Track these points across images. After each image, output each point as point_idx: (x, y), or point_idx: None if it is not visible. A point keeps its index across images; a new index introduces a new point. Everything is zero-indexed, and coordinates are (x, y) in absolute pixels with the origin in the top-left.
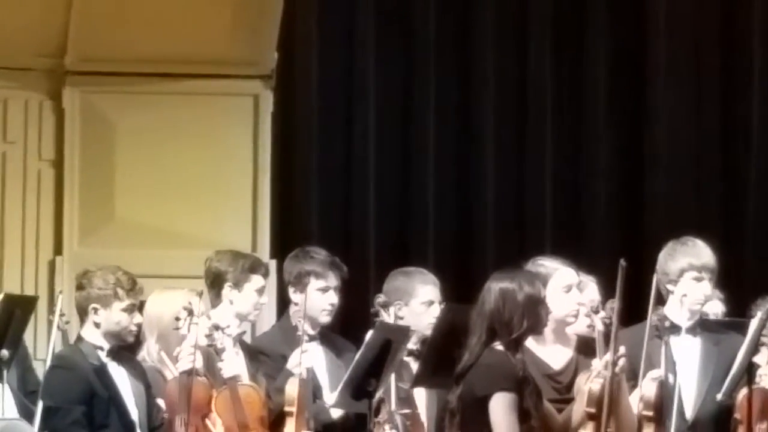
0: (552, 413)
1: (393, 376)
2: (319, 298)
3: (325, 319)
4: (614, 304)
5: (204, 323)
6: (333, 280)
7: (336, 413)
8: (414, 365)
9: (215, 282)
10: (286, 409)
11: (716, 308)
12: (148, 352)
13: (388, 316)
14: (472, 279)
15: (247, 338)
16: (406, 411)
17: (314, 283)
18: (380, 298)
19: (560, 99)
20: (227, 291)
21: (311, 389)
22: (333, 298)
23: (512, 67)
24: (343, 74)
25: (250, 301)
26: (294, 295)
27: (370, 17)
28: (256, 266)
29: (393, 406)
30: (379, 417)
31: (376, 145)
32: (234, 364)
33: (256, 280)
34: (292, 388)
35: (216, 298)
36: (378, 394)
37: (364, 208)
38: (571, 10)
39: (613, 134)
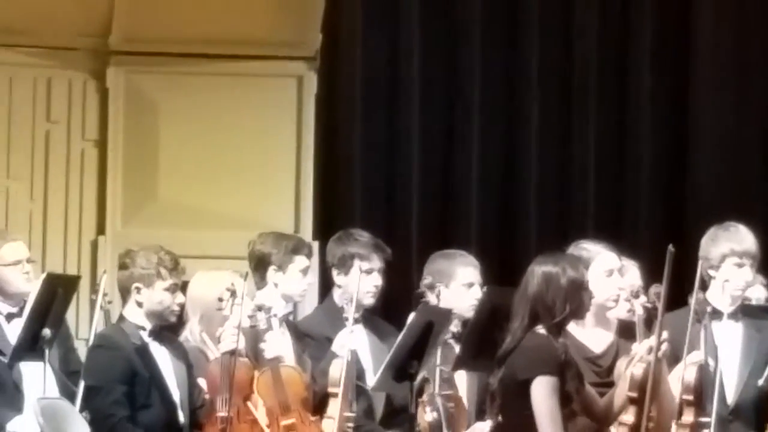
0: (594, 397)
1: (438, 357)
2: (364, 280)
3: (370, 301)
4: (660, 289)
5: (247, 304)
6: (377, 262)
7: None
8: (456, 347)
9: (259, 264)
10: (330, 390)
11: (759, 293)
12: (191, 333)
13: (434, 298)
14: (515, 262)
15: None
16: (449, 392)
17: (359, 265)
18: (427, 280)
19: (604, 84)
20: (272, 273)
21: (353, 371)
22: (377, 280)
23: (557, 49)
24: (388, 55)
25: (295, 282)
26: (338, 278)
27: None
28: (299, 247)
29: (436, 389)
30: (423, 397)
31: (420, 126)
32: (277, 345)
33: (300, 261)
34: (335, 370)
35: (261, 280)
36: (422, 374)
37: (407, 190)
38: None
39: (656, 119)
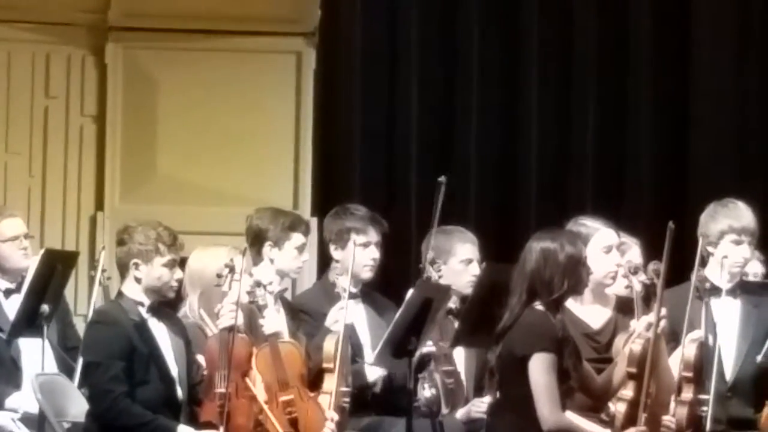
0: (591, 374)
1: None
2: (361, 253)
3: (368, 274)
4: (658, 266)
5: (246, 280)
6: (374, 236)
7: (373, 375)
8: (454, 324)
9: (256, 240)
10: (325, 365)
11: (756, 269)
12: (190, 309)
13: (436, 273)
14: (514, 238)
15: (288, 296)
16: (447, 368)
17: (355, 239)
18: (430, 254)
19: (604, 61)
20: (267, 249)
21: (349, 346)
22: (375, 253)
23: (557, 27)
24: (386, 31)
25: (290, 259)
26: (335, 253)
27: None
28: (296, 224)
29: (432, 365)
30: (422, 373)
31: (419, 102)
32: (275, 321)
33: (297, 238)
34: (330, 345)
35: (257, 255)
36: (425, 350)
37: (405, 166)
38: None
39: (656, 96)
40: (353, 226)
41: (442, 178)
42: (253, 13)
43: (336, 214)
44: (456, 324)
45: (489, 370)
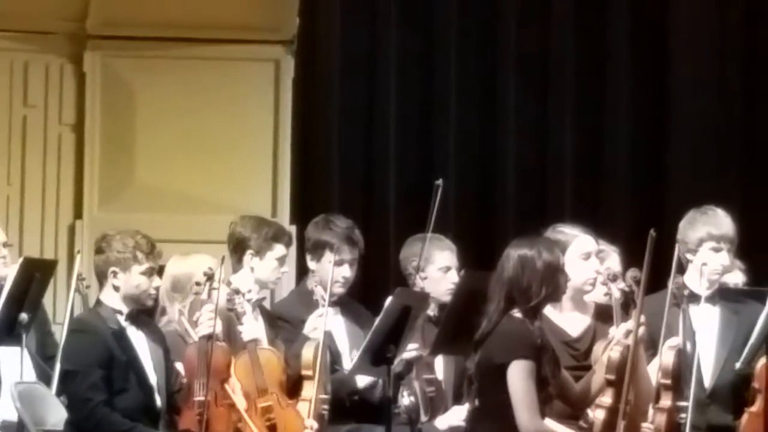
0: (569, 381)
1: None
2: (333, 270)
3: (339, 290)
4: (637, 273)
5: (224, 288)
6: (347, 254)
7: (361, 382)
8: (432, 331)
9: (237, 247)
10: (303, 372)
11: (737, 279)
12: (172, 317)
13: (420, 280)
14: (492, 246)
15: (267, 304)
16: (428, 376)
17: (328, 256)
18: (414, 262)
19: (582, 67)
20: (248, 258)
21: (327, 353)
22: (346, 272)
23: (534, 28)
24: (365, 40)
25: (270, 270)
26: (311, 263)
27: None
28: (279, 235)
29: (414, 372)
30: (403, 381)
31: (398, 111)
32: (254, 328)
33: (279, 249)
34: (308, 352)
35: (237, 263)
36: (408, 356)
37: (385, 174)
38: None
39: (635, 104)
40: (328, 242)
41: (439, 181)
42: (231, 22)
43: (317, 225)
44: (433, 332)
45: (468, 377)
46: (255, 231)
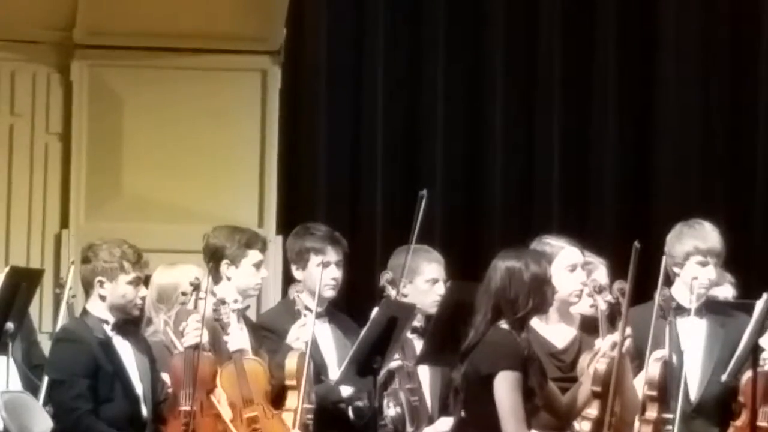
0: (556, 393)
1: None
2: (321, 273)
3: (329, 293)
4: (623, 285)
5: (211, 298)
6: (333, 255)
7: (345, 392)
8: (418, 343)
9: (213, 258)
10: (287, 383)
11: (727, 292)
12: (158, 327)
13: (395, 293)
14: (479, 257)
15: (252, 315)
16: (412, 386)
17: (314, 260)
18: (388, 275)
19: (569, 77)
20: (225, 268)
21: (310, 363)
22: (335, 273)
23: (522, 40)
24: (352, 50)
25: (248, 276)
26: (296, 273)
27: None
28: (252, 241)
29: (397, 383)
30: (387, 391)
31: (384, 121)
32: (239, 338)
33: (253, 255)
34: (291, 362)
35: (216, 273)
36: (389, 367)
37: (371, 184)
38: None
39: (620, 116)
40: (312, 246)
41: (423, 192)
42: (218, 32)
43: (296, 234)
44: (419, 343)
45: (454, 388)
46: (228, 240)
